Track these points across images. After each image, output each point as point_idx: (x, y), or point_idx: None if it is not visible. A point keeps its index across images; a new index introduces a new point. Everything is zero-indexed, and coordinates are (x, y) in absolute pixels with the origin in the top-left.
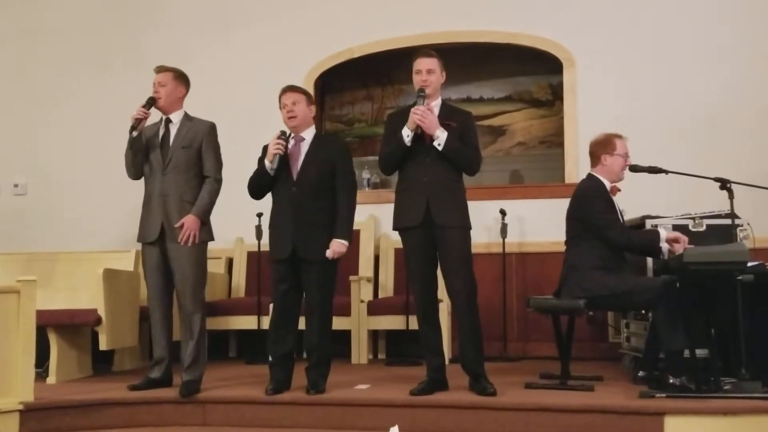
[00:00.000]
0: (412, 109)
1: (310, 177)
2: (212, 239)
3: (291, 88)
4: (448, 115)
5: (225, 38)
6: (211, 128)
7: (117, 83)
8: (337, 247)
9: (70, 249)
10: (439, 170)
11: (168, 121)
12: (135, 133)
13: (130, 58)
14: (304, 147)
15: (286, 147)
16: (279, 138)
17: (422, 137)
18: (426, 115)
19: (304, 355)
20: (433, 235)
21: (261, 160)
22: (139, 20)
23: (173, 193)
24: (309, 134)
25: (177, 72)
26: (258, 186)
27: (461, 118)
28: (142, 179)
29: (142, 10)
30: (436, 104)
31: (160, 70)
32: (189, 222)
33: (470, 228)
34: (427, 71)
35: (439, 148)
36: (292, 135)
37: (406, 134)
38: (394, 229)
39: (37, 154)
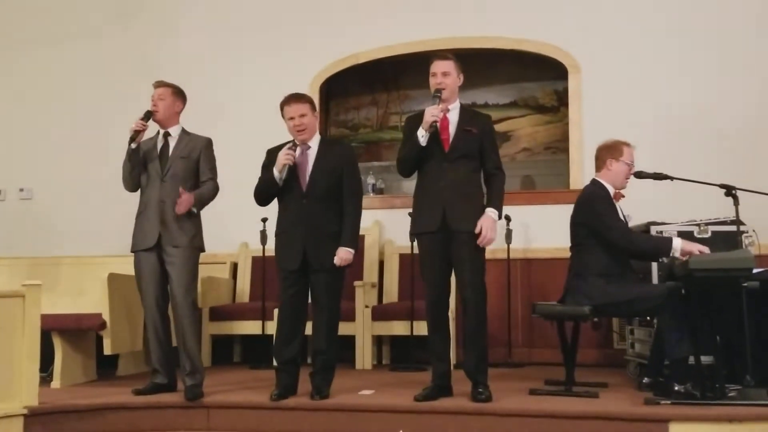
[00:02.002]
0: (427, 109)
1: (320, 187)
2: (203, 250)
3: (296, 99)
4: (468, 119)
5: (230, 44)
6: (209, 142)
7: (123, 90)
8: (344, 254)
9: (75, 253)
10: (456, 175)
11: (167, 134)
12: (134, 145)
13: (137, 66)
14: (312, 155)
15: (295, 156)
16: (290, 148)
17: (439, 140)
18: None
19: (308, 360)
20: (449, 241)
21: (265, 167)
22: (145, 28)
23: (171, 200)
24: (315, 141)
25: (176, 88)
26: (266, 195)
27: (481, 123)
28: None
29: (149, 19)
30: (453, 107)
31: (159, 84)
32: (187, 195)
33: None
34: (443, 74)
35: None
36: (298, 144)
37: (421, 134)
38: (412, 233)
39: (42, 158)
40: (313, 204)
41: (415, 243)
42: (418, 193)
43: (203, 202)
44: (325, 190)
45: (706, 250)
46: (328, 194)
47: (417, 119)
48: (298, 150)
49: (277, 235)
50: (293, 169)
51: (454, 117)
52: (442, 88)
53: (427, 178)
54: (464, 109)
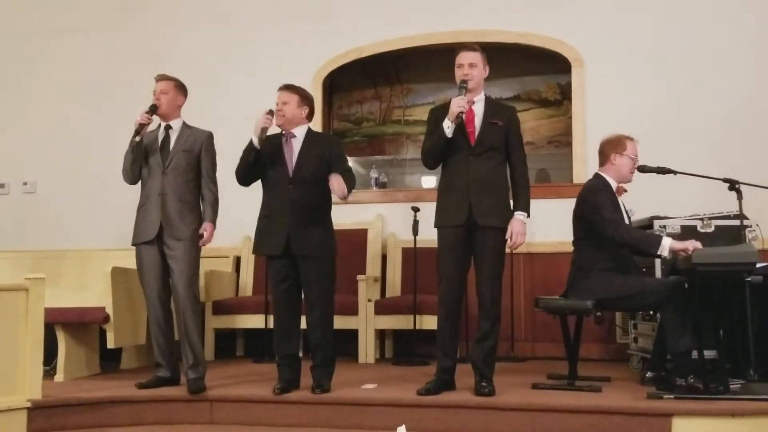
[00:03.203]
0: (453, 100)
1: (306, 174)
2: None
3: (285, 87)
4: (493, 111)
5: (234, 37)
6: (210, 136)
7: (128, 83)
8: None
9: (78, 247)
10: (482, 169)
11: (168, 127)
12: (138, 138)
13: (142, 59)
14: (296, 144)
15: (272, 120)
16: (267, 114)
17: (464, 133)
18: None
19: (309, 354)
20: (473, 236)
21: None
22: (148, 21)
23: (172, 192)
24: (300, 132)
25: (177, 81)
26: (245, 167)
27: (507, 115)
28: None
29: (152, 12)
30: (479, 100)
31: (162, 78)
32: (209, 230)
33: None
34: (469, 65)
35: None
36: (283, 132)
37: (447, 126)
38: (436, 226)
39: (45, 152)
40: (298, 190)
41: (418, 237)
42: (443, 187)
43: (216, 213)
44: (311, 176)
45: (698, 245)
46: (314, 180)
47: (441, 111)
48: (283, 138)
49: (260, 219)
50: (280, 158)
51: (479, 109)
52: (468, 79)
53: (452, 172)
54: (489, 101)
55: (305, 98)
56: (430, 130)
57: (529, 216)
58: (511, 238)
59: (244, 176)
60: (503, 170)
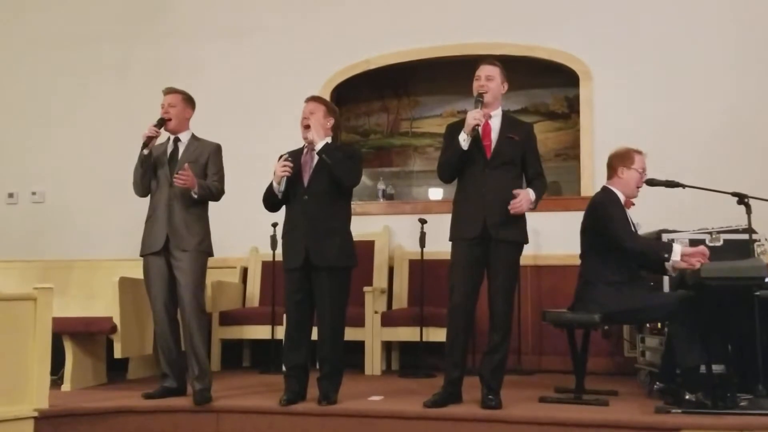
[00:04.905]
0: (469, 113)
1: (321, 184)
2: (212, 254)
3: (311, 98)
4: (510, 126)
5: (241, 49)
6: (218, 148)
7: (135, 92)
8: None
9: (86, 257)
10: (498, 182)
11: (177, 139)
12: (146, 151)
13: (148, 68)
14: (317, 155)
15: (293, 168)
16: (286, 159)
17: (480, 147)
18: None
19: (317, 366)
20: (487, 249)
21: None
22: (156, 31)
23: (178, 203)
24: (322, 143)
25: (185, 94)
26: (270, 203)
27: (523, 131)
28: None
29: (160, 22)
30: (495, 114)
31: (169, 91)
32: (191, 173)
33: (526, 242)
34: (486, 77)
35: None
36: (305, 145)
37: (463, 138)
38: (451, 239)
39: (54, 162)
40: (314, 201)
41: (425, 249)
42: (458, 199)
43: (204, 189)
44: (326, 186)
45: (705, 250)
46: (330, 191)
47: (457, 126)
48: (305, 151)
49: (282, 236)
50: (297, 170)
51: (496, 124)
52: (485, 92)
53: (468, 185)
54: (506, 116)
55: (331, 109)
56: (446, 145)
57: (535, 207)
58: (515, 200)
59: (271, 208)
60: (519, 184)
